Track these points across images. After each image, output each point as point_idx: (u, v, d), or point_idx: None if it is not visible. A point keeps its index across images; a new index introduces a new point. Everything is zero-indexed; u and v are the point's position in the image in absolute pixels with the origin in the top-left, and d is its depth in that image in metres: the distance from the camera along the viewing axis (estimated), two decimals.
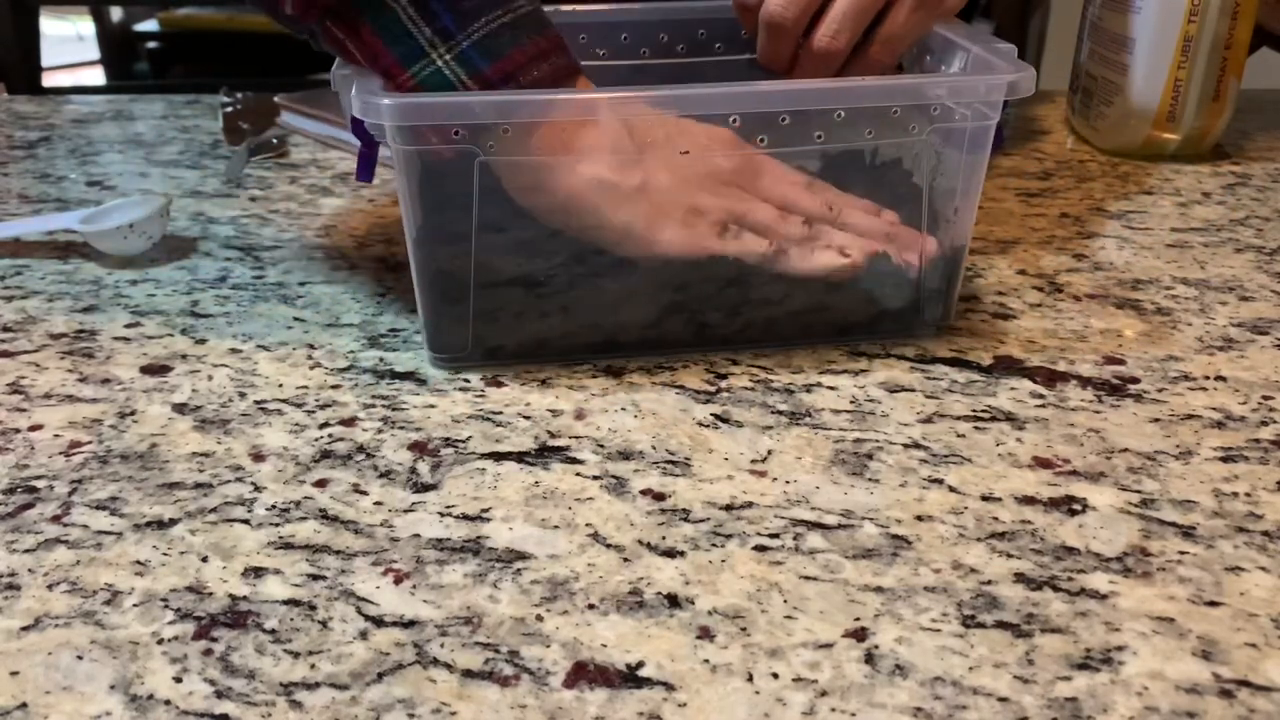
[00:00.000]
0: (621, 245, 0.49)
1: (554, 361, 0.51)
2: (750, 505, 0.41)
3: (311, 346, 0.53)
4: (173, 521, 0.40)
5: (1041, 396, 0.49)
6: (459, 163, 0.46)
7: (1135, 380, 0.50)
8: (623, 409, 0.47)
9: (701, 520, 0.40)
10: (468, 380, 0.50)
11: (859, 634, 0.35)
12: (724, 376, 0.50)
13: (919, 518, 0.41)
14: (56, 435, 0.46)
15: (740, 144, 0.49)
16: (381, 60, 0.48)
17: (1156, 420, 0.47)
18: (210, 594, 0.37)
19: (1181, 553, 0.39)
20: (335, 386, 0.49)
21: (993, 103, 0.49)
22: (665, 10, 0.64)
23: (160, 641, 0.35)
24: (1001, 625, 0.35)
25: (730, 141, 0.49)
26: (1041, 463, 0.44)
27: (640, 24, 0.62)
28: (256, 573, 0.38)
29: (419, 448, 0.45)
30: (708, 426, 0.46)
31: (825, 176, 0.53)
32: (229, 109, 0.86)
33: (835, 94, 0.48)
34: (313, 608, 0.36)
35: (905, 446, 0.45)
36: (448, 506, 0.41)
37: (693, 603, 0.36)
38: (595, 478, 0.43)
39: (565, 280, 0.50)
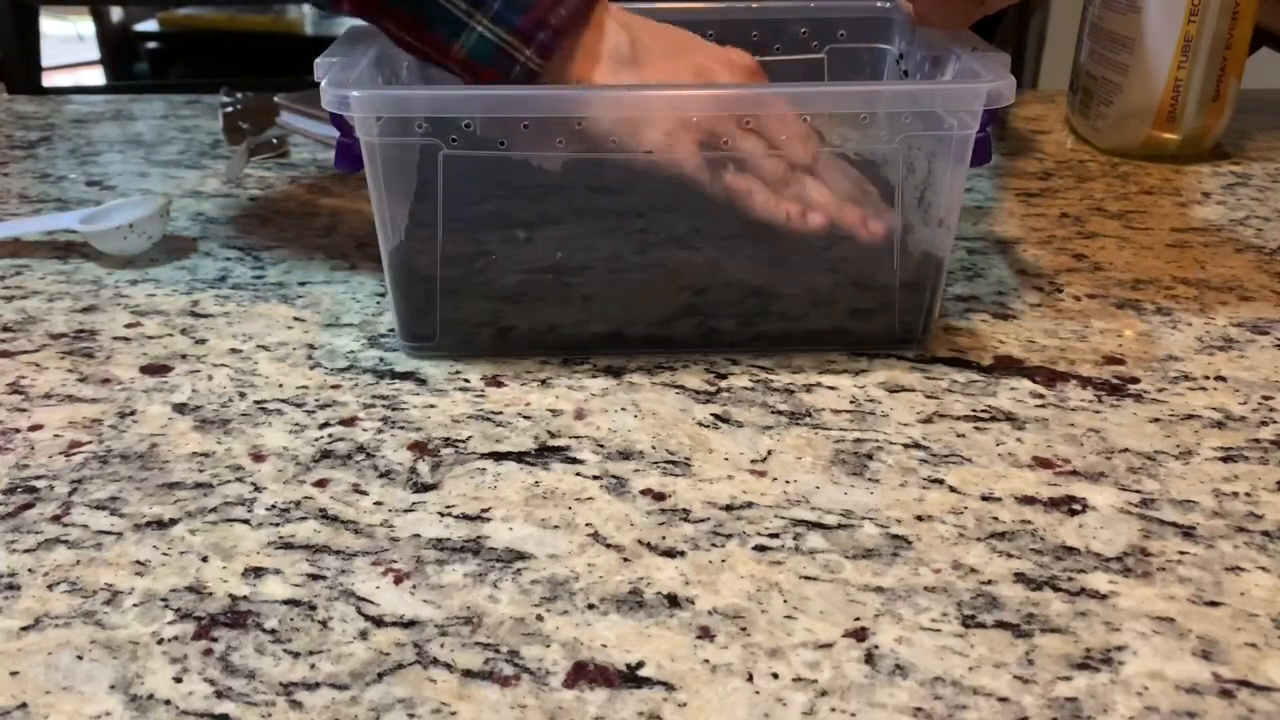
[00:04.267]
0: (611, 143, 0.49)
1: (533, 355, 0.51)
2: (750, 505, 0.41)
3: (311, 346, 0.53)
4: (173, 521, 0.40)
5: (1041, 396, 0.49)
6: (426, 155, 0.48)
7: (1135, 380, 0.50)
8: (623, 409, 0.47)
9: (701, 520, 0.40)
10: (468, 380, 0.50)
11: (859, 634, 0.35)
12: (724, 376, 0.50)
13: (919, 518, 0.41)
14: (56, 435, 0.46)
15: (753, 73, 0.50)
16: (433, 42, 0.50)
17: (1156, 420, 0.47)
18: (210, 594, 0.37)
19: (1181, 553, 0.39)
20: (335, 386, 0.49)
21: (972, 112, 0.47)
22: (676, 12, 0.63)
23: (160, 641, 0.35)
24: (1001, 625, 0.35)
25: (742, 69, 0.51)
26: (1041, 463, 0.44)
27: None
28: (256, 573, 0.38)
29: (419, 448, 0.45)
30: (708, 426, 0.46)
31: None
32: (229, 109, 0.86)
33: (800, 99, 0.48)
34: (313, 608, 0.36)
35: (905, 446, 0.45)
36: (448, 506, 0.41)
37: (693, 603, 0.36)
38: (595, 478, 0.43)
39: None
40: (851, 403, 0.48)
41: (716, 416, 0.47)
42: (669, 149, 0.49)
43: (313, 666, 0.34)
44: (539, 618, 0.36)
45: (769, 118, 0.50)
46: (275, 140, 0.81)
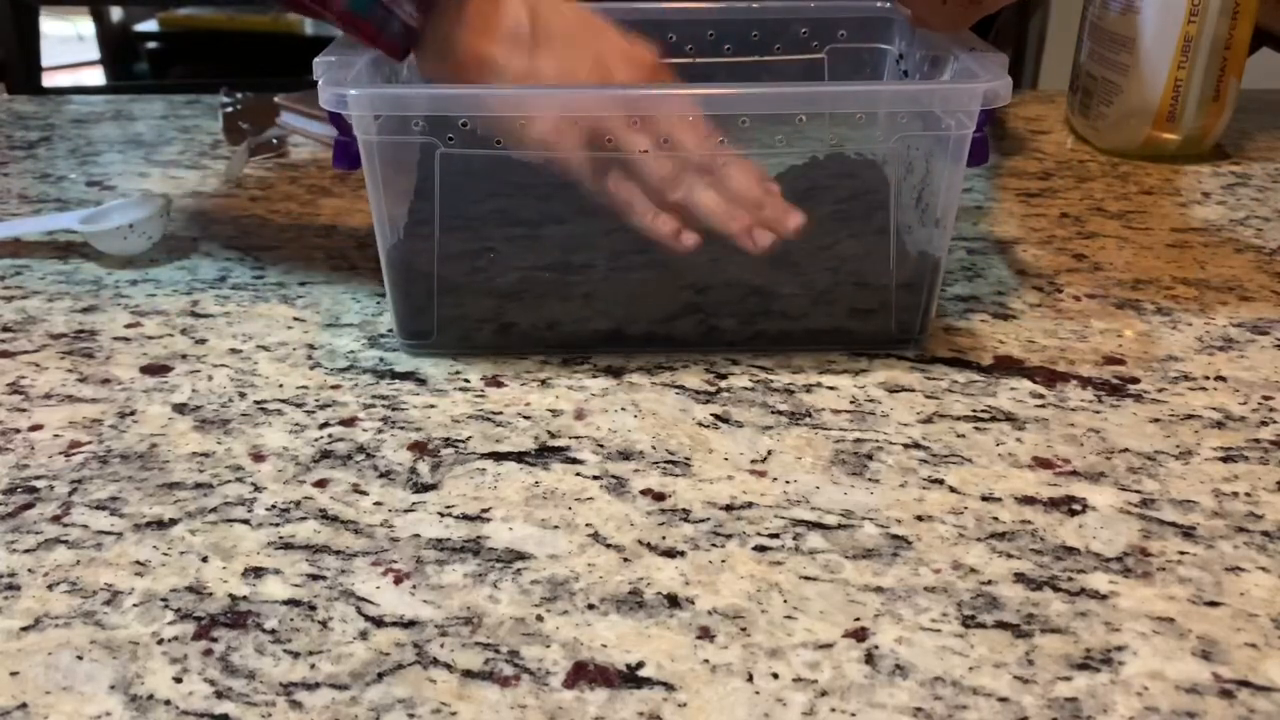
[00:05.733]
0: (498, 126, 0.48)
1: (533, 354, 0.51)
2: (750, 505, 0.41)
3: (311, 346, 0.53)
4: (173, 521, 0.40)
5: (1041, 396, 0.49)
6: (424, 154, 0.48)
7: (1135, 380, 0.50)
8: (623, 409, 0.47)
9: (701, 520, 0.40)
10: (468, 380, 0.50)
11: (859, 634, 0.35)
12: (724, 376, 0.50)
13: (919, 518, 0.41)
14: (56, 435, 0.46)
15: (654, 70, 0.50)
16: None
17: (1156, 420, 0.47)
18: (210, 594, 0.37)
19: (1181, 553, 0.39)
20: (335, 386, 0.49)
21: (969, 112, 0.47)
22: (677, 11, 0.64)
23: (160, 641, 0.35)
24: (1001, 625, 0.35)
25: (641, 66, 0.50)
26: (1041, 463, 0.44)
27: (650, 23, 0.62)
28: (256, 573, 0.38)
29: (419, 448, 0.45)
30: (708, 426, 0.46)
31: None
32: (229, 109, 0.86)
33: (797, 99, 0.47)
34: (313, 608, 0.36)
35: (905, 446, 0.45)
36: (448, 506, 0.41)
37: (693, 603, 0.36)
38: (595, 478, 0.43)
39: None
40: (851, 403, 0.48)
41: (716, 416, 0.47)
42: (554, 145, 0.48)
43: (313, 666, 0.34)
44: (539, 618, 0.36)
45: (668, 113, 0.49)
46: (275, 140, 0.81)
